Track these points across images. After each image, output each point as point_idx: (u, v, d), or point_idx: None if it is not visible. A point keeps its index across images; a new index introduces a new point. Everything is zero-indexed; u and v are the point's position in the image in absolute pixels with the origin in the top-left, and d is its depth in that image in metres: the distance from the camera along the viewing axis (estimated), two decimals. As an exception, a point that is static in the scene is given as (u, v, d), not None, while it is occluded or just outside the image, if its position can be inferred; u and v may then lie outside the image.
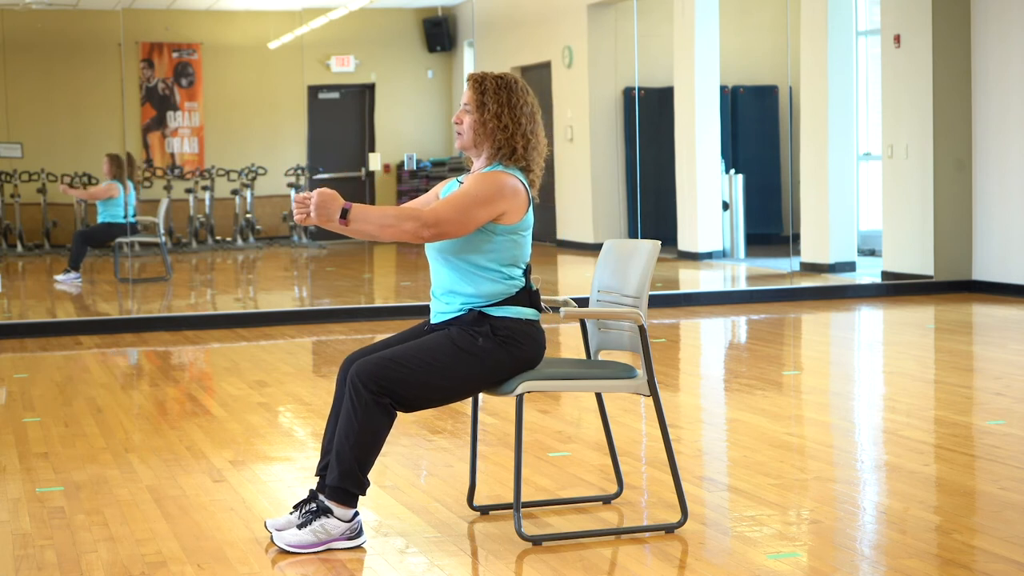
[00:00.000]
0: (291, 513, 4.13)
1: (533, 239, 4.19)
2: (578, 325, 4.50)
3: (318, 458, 4.23)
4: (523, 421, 4.01)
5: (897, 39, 11.11)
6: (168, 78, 14.93)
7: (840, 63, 12.03)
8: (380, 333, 9.22)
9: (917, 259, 10.99)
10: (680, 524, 4.13)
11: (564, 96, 14.91)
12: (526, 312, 4.07)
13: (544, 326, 4.16)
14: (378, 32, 15.97)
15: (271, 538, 4.07)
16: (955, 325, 9.15)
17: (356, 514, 4.00)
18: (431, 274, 4.18)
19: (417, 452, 5.38)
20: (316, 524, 3.97)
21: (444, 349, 3.99)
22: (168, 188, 14.61)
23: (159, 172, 14.79)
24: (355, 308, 10.19)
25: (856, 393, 6.92)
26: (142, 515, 4.44)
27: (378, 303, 11.46)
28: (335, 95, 15.77)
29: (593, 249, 13.47)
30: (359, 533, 4.01)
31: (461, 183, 4.16)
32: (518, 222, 4.06)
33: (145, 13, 14.76)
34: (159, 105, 14.90)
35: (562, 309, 4.19)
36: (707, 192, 13.39)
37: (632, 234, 13.80)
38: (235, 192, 15.08)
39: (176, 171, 14.93)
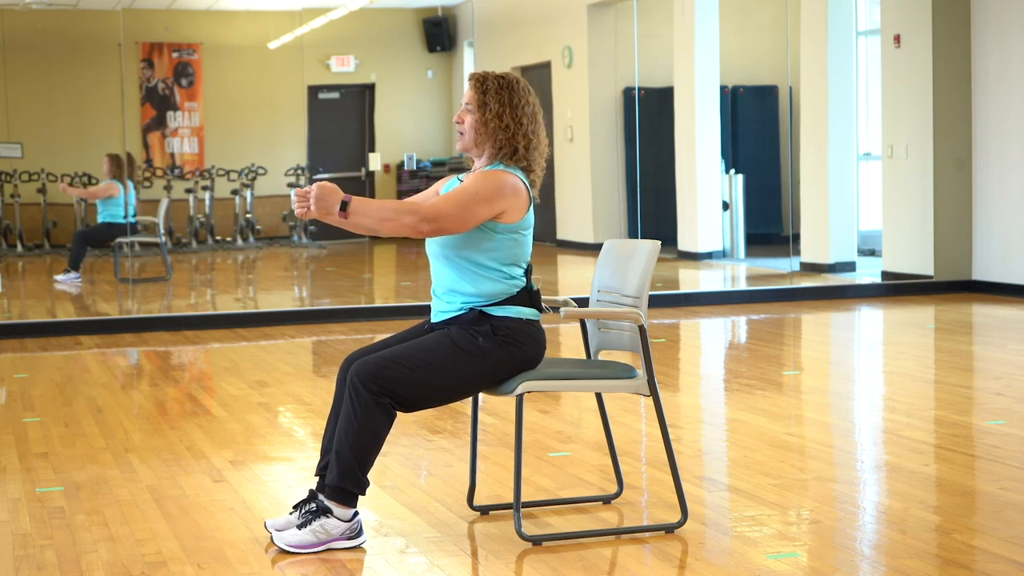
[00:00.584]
0: (291, 513, 4.13)
1: (533, 239, 4.19)
2: (578, 325, 4.50)
3: (318, 458, 4.23)
4: (523, 421, 4.01)
5: (897, 39, 11.11)
6: (168, 78, 14.93)
7: (840, 63, 12.03)
8: (380, 333, 9.22)
9: (917, 259, 10.99)
10: (680, 524, 4.13)
11: (564, 96, 14.91)
12: (527, 312, 4.07)
13: (544, 326, 4.16)
14: (378, 32, 15.97)
15: (271, 538, 4.07)
16: (955, 325, 9.15)
17: (356, 514, 4.00)
18: (432, 273, 4.18)
19: (417, 452, 5.38)
20: (316, 524, 3.97)
21: (444, 349, 3.99)
22: (168, 188, 14.61)
23: (159, 172, 14.79)
24: (355, 308, 10.19)
25: (856, 393, 6.92)
26: (142, 515, 4.44)
27: (378, 303, 11.46)
28: (335, 95, 15.78)
29: (593, 249, 13.47)
30: (359, 533, 4.01)
31: (462, 181, 4.16)
32: (518, 221, 4.05)
33: (145, 13, 14.76)
34: (159, 105, 14.90)
35: (562, 309, 4.19)
36: (707, 192, 13.39)
37: (632, 234, 13.80)
38: (235, 192, 15.08)
39: (176, 171, 14.92)
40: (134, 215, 12.68)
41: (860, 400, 6.65)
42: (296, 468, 5.14)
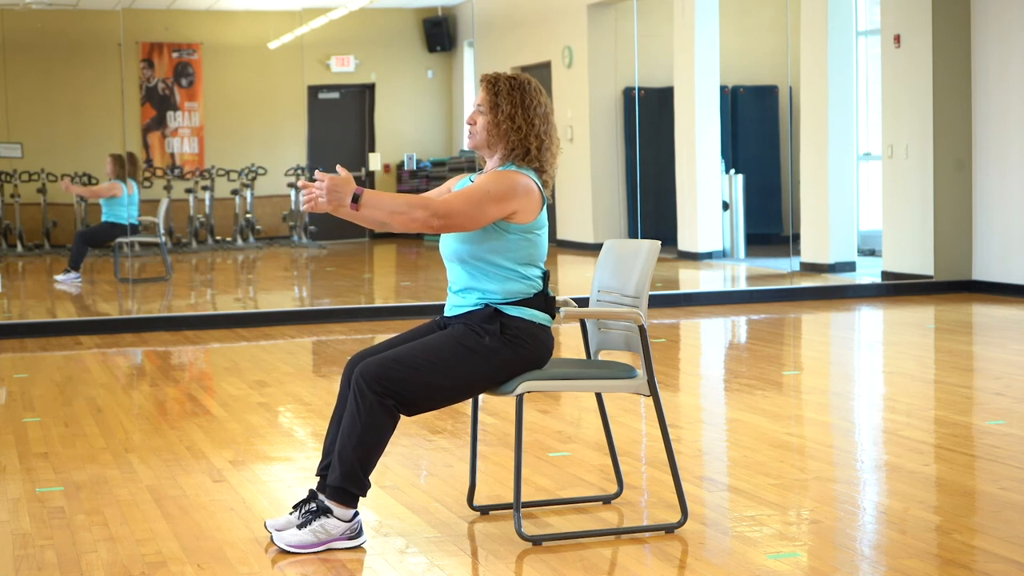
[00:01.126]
0: (291, 513, 4.13)
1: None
2: (578, 325, 4.50)
3: (318, 458, 4.23)
4: (523, 421, 4.01)
5: (897, 39, 11.11)
6: (168, 78, 14.93)
7: (840, 63, 12.03)
8: (380, 333, 9.22)
9: (917, 259, 10.99)
10: (680, 524, 4.13)
11: (564, 96, 14.91)
12: (540, 316, 4.08)
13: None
14: (378, 32, 15.97)
15: (271, 538, 4.07)
16: (955, 325, 9.15)
17: (356, 514, 4.00)
18: (448, 274, 4.18)
19: (417, 452, 5.38)
20: (316, 524, 3.97)
21: (449, 348, 3.99)
22: (168, 188, 14.61)
23: (159, 172, 14.79)
24: (355, 308, 10.19)
25: (856, 393, 6.92)
26: (142, 515, 4.44)
27: (378, 303, 11.47)
28: (335, 95, 15.77)
29: (593, 249, 13.47)
30: (359, 533, 4.01)
31: (473, 181, 4.16)
32: (531, 221, 4.06)
33: (145, 13, 14.76)
34: (159, 105, 14.90)
35: (562, 309, 4.19)
36: (707, 192, 13.39)
37: (632, 234, 13.80)
38: (235, 192, 15.08)
39: (176, 171, 14.93)
40: (137, 215, 12.68)
41: (860, 400, 6.65)
42: (296, 468, 5.14)
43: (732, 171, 13.79)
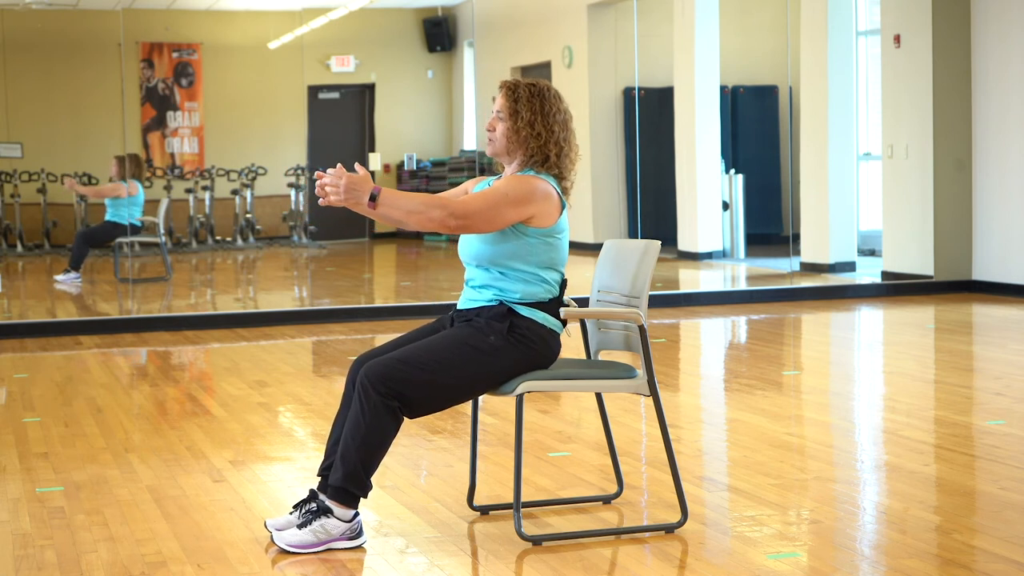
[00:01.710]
0: (291, 513, 4.13)
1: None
2: (578, 325, 4.50)
3: (317, 458, 4.24)
4: (523, 421, 4.01)
5: (897, 39, 11.11)
6: (168, 78, 14.93)
7: (840, 63, 12.03)
8: (380, 333, 9.22)
9: (917, 259, 10.99)
10: (680, 524, 4.13)
11: (564, 96, 14.87)
12: (551, 321, 4.09)
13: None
14: (378, 32, 15.97)
15: (271, 538, 4.07)
16: (955, 325, 9.15)
17: (356, 514, 4.00)
18: (467, 272, 4.19)
19: (417, 452, 5.38)
20: (316, 524, 3.97)
21: (454, 347, 3.99)
22: (168, 188, 14.61)
23: (159, 172, 14.79)
24: (355, 308, 10.19)
25: (856, 393, 6.92)
26: (142, 515, 4.44)
27: (378, 303, 11.47)
28: (335, 95, 15.78)
29: (593, 249, 13.46)
30: (359, 533, 4.02)
31: (491, 184, 4.17)
32: (551, 226, 4.08)
33: (145, 13, 14.76)
34: (159, 105, 14.90)
35: (562, 309, 4.19)
36: (707, 192, 13.39)
37: (632, 234, 13.80)
38: (235, 192, 15.09)
39: (176, 171, 14.93)
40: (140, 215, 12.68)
41: (860, 400, 6.65)
42: (296, 468, 5.14)
43: (732, 171, 13.80)
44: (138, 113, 14.78)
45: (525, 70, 15.68)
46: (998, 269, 10.64)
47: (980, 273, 10.80)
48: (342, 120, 15.85)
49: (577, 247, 14.58)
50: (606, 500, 4.50)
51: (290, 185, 15.27)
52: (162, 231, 12.53)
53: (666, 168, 13.87)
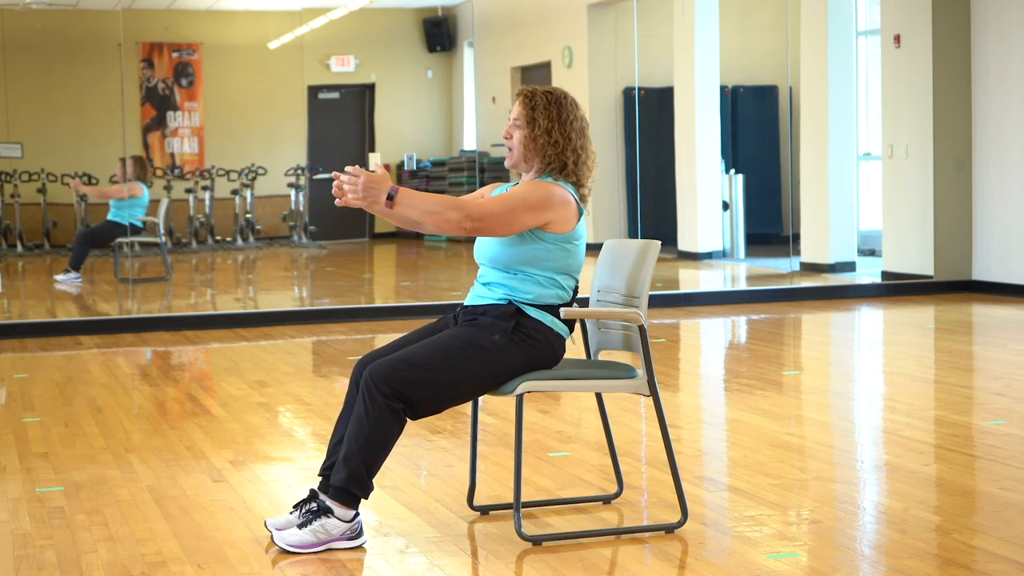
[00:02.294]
0: (291, 513, 4.13)
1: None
2: (578, 325, 4.50)
3: (318, 458, 4.24)
4: (523, 421, 4.01)
5: (897, 39, 11.11)
6: (168, 78, 14.93)
7: (840, 63, 12.03)
8: (380, 333, 9.22)
9: (917, 259, 10.99)
10: (680, 524, 4.13)
11: (565, 96, 14.88)
12: (559, 325, 4.10)
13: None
14: (378, 32, 15.97)
15: (271, 538, 4.07)
16: (955, 325, 9.15)
17: (356, 514, 4.00)
18: (480, 271, 4.19)
19: (417, 452, 5.38)
20: (316, 524, 3.97)
21: (457, 347, 3.99)
22: (168, 188, 14.61)
23: (159, 172, 14.80)
24: (355, 308, 10.19)
25: (856, 393, 6.92)
26: (142, 515, 4.44)
27: (378, 303, 11.47)
28: (335, 95, 15.78)
29: (593, 249, 13.46)
30: (359, 533, 4.02)
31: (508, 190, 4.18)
32: (568, 232, 4.10)
33: (145, 13, 14.77)
34: (159, 105, 14.91)
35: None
36: (707, 192, 13.39)
37: (632, 234, 13.80)
38: (235, 192, 15.09)
39: (176, 171, 14.93)
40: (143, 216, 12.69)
41: (860, 400, 6.65)
42: (296, 468, 5.14)
43: (732, 171, 13.80)
44: (138, 113, 14.79)
45: (525, 70, 15.68)
46: (998, 269, 10.64)
47: (980, 273, 10.80)
48: (342, 120, 15.86)
49: (577, 247, 14.63)
50: (606, 500, 4.50)
51: (290, 185, 15.27)
52: (162, 231, 12.53)
53: (666, 168, 13.87)
